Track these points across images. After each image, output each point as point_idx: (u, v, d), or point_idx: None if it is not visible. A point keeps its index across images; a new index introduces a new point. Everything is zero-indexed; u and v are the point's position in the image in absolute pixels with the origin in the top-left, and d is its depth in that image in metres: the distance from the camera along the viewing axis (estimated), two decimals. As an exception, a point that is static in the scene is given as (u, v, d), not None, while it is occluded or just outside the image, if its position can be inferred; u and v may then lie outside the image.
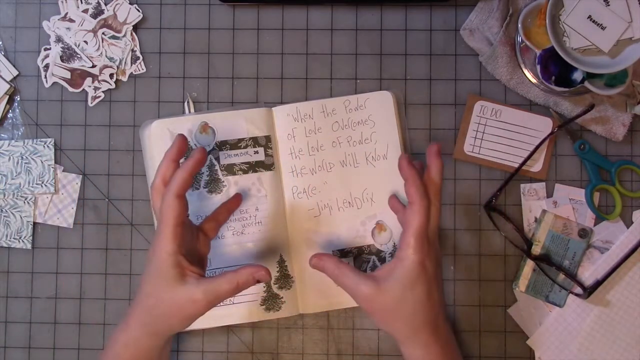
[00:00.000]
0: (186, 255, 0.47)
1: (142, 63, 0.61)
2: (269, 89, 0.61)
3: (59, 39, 0.60)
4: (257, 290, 0.58)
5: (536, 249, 0.59)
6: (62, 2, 0.60)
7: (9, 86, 0.60)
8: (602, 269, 0.59)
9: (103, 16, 0.60)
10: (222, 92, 0.61)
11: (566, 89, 0.56)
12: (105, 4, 0.60)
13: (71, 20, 0.60)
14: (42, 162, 0.60)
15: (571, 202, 0.60)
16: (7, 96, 0.60)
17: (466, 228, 0.60)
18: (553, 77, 0.56)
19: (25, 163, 0.60)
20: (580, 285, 0.58)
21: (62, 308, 0.60)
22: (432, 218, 0.47)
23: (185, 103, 0.61)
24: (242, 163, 0.59)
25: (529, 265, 0.59)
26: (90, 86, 0.60)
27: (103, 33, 0.60)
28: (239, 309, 0.58)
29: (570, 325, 0.59)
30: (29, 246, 0.60)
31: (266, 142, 0.59)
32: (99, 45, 0.60)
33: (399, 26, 0.61)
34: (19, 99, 0.61)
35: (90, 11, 0.60)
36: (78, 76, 0.60)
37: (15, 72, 0.61)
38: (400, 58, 0.61)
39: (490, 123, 0.60)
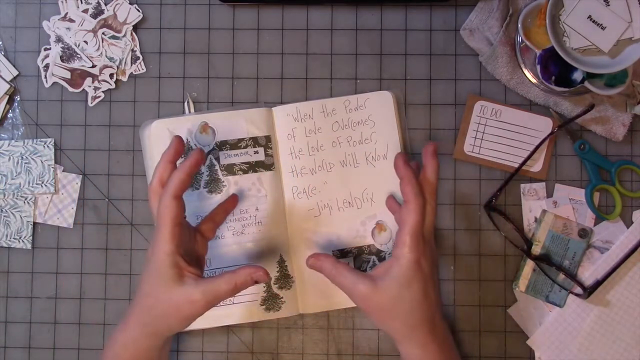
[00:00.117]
0: (184, 256, 0.47)
1: (142, 63, 0.61)
2: (269, 89, 0.61)
3: (59, 39, 0.60)
4: (257, 290, 0.58)
5: (536, 249, 0.59)
6: (62, 2, 0.60)
7: (9, 86, 0.60)
8: (602, 269, 0.59)
9: (103, 16, 0.60)
10: (222, 92, 0.61)
11: (566, 89, 0.56)
12: (105, 4, 0.60)
13: (71, 20, 0.60)
14: (42, 162, 0.60)
15: (571, 202, 0.59)
16: (7, 96, 0.60)
17: (466, 228, 0.60)
18: (553, 77, 0.56)
19: (25, 163, 0.60)
20: (580, 285, 0.58)
21: (62, 308, 0.60)
22: (427, 217, 0.48)
23: (185, 103, 0.61)
24: (242, 163, 0.59)
25: (529, 265, 0.59)
26: (90, 86, 0.60)
27: (103, 33, 0.60)
28: (239, 309, 0.58)
29: (570, 325, 0.59)
30: (29, 246, 0.60)
31: (266, 142, 0.59)
32: (99, 45, 0.60)
33: (399, 26, 0.61)
34: (19, 99, 0.61)
35: (90, 11, 0.60)
36: (78, 76, 0.60)
37: (15, 72, 0.61)
38: (400, 58, 0.61)
39: (490, 123, 0.60)
